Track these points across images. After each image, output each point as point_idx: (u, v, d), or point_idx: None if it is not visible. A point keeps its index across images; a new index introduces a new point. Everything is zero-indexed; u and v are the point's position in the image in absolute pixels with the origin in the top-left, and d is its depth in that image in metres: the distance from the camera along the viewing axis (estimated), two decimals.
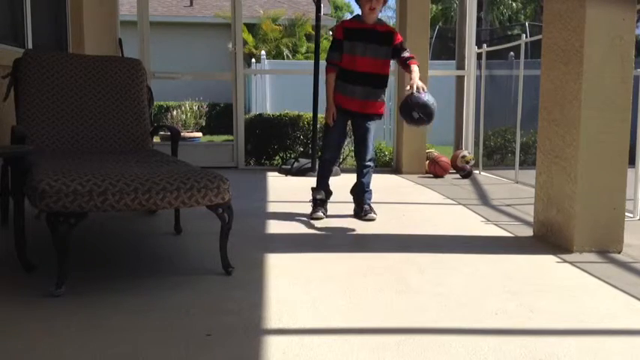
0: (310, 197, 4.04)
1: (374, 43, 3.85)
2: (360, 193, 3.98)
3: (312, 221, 3.85)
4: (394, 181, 5.88)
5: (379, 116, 3.98)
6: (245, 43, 16.27)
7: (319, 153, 6.33)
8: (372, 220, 3.87)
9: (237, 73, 6.70)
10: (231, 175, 3.29)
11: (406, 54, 3.92)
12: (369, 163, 3.97)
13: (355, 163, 4.08)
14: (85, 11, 5.70)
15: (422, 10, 6.36)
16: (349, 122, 4.03)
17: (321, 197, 4.01)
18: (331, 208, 4.05)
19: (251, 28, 16.71)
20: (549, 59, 3.33)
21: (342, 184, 4.36)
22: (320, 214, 3.93)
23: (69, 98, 3.66)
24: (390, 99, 10.18)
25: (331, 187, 4.10)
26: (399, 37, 3.94)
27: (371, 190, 4.00)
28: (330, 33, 19.95)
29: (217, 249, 2.67)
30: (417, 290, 2.49)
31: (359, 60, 3.84)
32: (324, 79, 5.54)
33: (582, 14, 3.02)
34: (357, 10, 3.97)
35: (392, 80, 7.98)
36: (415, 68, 3.84)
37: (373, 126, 3.96)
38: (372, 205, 3.97)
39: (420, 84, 3.68)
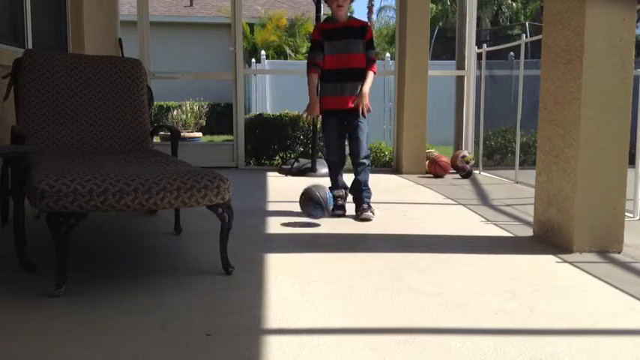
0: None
1: (351, 39, 3.94)
2: (358, 191, 3.97)
3: (334, 217, 3.91)
4: (394, 181, 5.88)
5: (368, 110, 3.96)
6: (251, 42, 16.29)
7: (320, 154, 6.36)
8: (368, 220, 3.84)
9: (237, 73, 6.71)
10: (231, 175, 3.29)
11: (371, 54, 3.98)
12: (363, 161, 3.96)
13: (351, 162, 4.08)
14: (85, 11, 5.70)
15: (422, 10, 6.36)
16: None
17: (340, 195, 4.03)
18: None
19: (253, 28, 16.73)
20: (549, 59, 3.33)
21: None
22: (341, 211, 3.99)
23: (69, 98, 3.66)
24: (389, 98, 10.21)
25: None
26: (371, 33, 4.02)
27: (369, 189, 3.98)
28: None
29: (217, 249, 2.67)
30: (417, 290, 2.49)
31: (341, 58, 3.92)
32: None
33: (582, 14, 3.02)
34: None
35: (391, 79, 8.00)
36: (370, 77, 3.93)
37: (365, 121, 3.96)
38: (371, 204, 3.96)
39: (366, 104, 3.87)
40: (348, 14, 4.08)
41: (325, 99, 3.99)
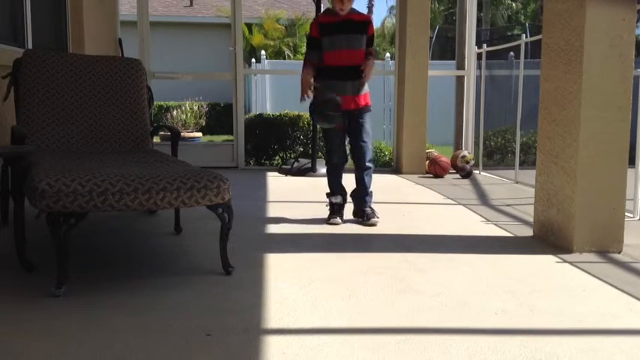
0: (327, 202, 3.89)
1: (352, 34, 3.76)
2: (362, 197, 3.83)
3: (327, 225, 3.74)
4: (394, 181, 5.88)
5: (369, 108, 3.86)
6: (249, 43, 16.30)
7: (320, 154, 6.36)
8: (374, 225, 3.73)
9: (237, 73, 6.71)
10: (231, 175, 3.29)
11: (370, 49, 3.84)
12: (368, 164, 3.81)
13: (353, 164, 3.89)
14: (85, 11, 5.70)
15: (422, 10, 6.36)
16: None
17: (337, 202, 3.85)
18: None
19: (253, 27, 16.73)
20: (549, 59, 3.33)
21: None
22: (337, 219, 3.78)
23: (69, 98, 3.66)
24: (389, 98, 10.21)
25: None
26: (372, 29, 3.86)
27: (371, 192, 3.86)
28: None
29: (217, 249, 2.67)
30: (417, 290, 2.49)
31: (343, 53, 3.73)
32: None
33: (582, 14, 3.03)
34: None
35: (391, 79, 8.00)
36: (372, 62, 3.77)
37: (369, 121, 3.83)
38: (373, 207, 3.84)
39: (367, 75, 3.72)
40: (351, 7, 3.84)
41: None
